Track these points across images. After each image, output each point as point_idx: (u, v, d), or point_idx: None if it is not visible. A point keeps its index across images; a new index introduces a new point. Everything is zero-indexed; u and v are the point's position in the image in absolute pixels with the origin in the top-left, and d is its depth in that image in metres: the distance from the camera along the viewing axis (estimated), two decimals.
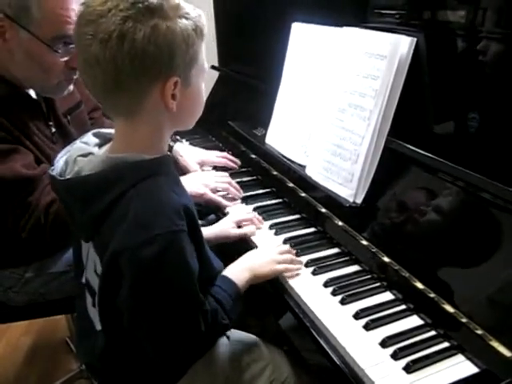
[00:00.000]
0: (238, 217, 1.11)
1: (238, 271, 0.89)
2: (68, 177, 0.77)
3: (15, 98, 1.10)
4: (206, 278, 0.81)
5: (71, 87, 1.17)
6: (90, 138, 0.84)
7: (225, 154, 1.46)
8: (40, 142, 1.12)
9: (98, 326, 0.82)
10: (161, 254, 0.70)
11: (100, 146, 0.83)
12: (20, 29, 1.02)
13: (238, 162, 1.43)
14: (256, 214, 1.15)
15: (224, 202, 1.21)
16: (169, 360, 0.79)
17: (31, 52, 1.05)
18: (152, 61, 0.70)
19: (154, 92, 0.73)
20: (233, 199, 1.24)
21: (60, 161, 0.80)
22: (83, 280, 0.86)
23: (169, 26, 0.70)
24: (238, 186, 1.27)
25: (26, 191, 1.05)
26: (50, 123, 1.19)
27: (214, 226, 1.10)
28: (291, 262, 0.95)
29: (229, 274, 0.88)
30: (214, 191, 1.22)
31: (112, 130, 0.82)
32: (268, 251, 0.96)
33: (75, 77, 1.14)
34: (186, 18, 0.72)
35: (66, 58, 1.08)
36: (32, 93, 1.17)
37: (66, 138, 1.20)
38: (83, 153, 0.79)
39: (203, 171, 1.39)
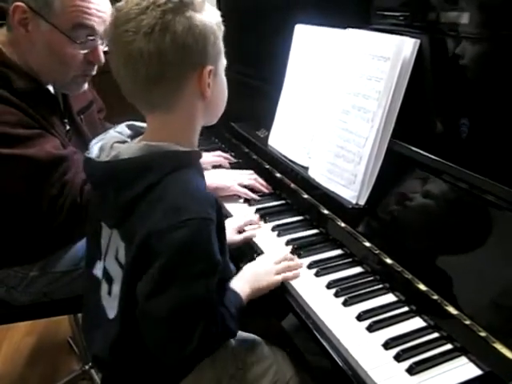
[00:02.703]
0: (238, 223, 1.11)
1: (240, 286, 0.89)
2: (107, 159, 0.79)
3: (37, 92, 1.12)
4: (222, 278, 0.82)
5: (86, 85, 1.20)
6: (123, 128, 0.87)
7: (218, 152, 1.51)
8: (58, 137, 1.13)
9: (111, 315, 0.82)
10: (190, 238, 0.73)
11: (132, 138, 0.85)
12: (41, 20, 1.05)
13: (232, 159, 1.49)
14: (254, 214, 1.16)
15: (250, 194, 1.25)
16: (173, 354, 0.78)
17: (51, 43, 1.08)
18: (191, 51, 0.75)
19: (192, 81, 0.78)
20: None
21: (94, 147, 0.83)
22: (96, 270, 0.87)
23: (201, 18, 0.75)
24: (264, 183, 1.30)
25: (60, 171, 1.07)
26: (65, 120, 1.21)
27: None
28: (289, 268, 0.95)
29: (233, 286, 0.88)
30: (241, 186, 1.26)
31: (144, 124, 0.84)
32: (265, 263, 0.96)
33: (93, 73, 1.17)
34: (209, 13, 0.78)
35: (85, 51, 1.11)
36: (51, 89, 1.19)
37: (80, 137, 1.23)
38: (119, 140, 0.82)
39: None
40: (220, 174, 1.33)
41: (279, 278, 0.93)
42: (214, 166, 1.45)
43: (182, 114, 0.79)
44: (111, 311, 0.82)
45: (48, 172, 1.05)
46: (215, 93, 0.82)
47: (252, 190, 1.27)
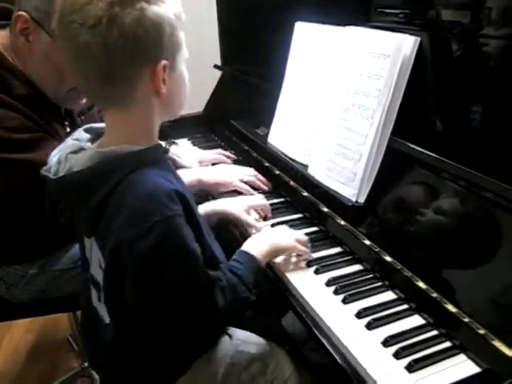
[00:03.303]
0: (255, 202, 1.11)
1: (257, 244, 0.89)
2: (61, 175, 0.77)
3: (37, 97, 1.12)
4: (208, 264, 0.80)
5: (84, 100, 1.19)
6: (81, 133, 0.84)
7: (219, 150, 1.51)
8: (59, 140, 1.13)
9: (106, 320, 0.82)
10: (160, 242, 0.70)
11: (92, 141, 0.83)
12: (42, 32, 1.06)
13: (232, 156, 1.49)
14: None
15: (251, 190, 1.25)
16: (192, 342, 0.79)
17: (50, 56, 1.07)
18: (142, 44, 0.70)
19: (146, 77, 0.73)
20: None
21: (53, 160, 0.81)
22: (90, 275, 0.87)
23: (154, 9, 0.71)
24: (264, 180, 1.30)
25: None
26: (66, 123, 1.22)
27: (227, 199, 1.09)
28: (306, 244, 0.96)
29: (247, 247, 0.88)
30: (242, 182, 1.26)
31: (103, 125, 0.81)
32: (289, 230, 0.98)
33: None
34: (166, 4, 0.73)
35: None
36: None
37: None
38: (74, 149, 0.80)
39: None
40: (221, 169, 1.33)
41: (299, 245, 0.94)
42: (214, 164, 1.45)
43: (137, 111, 0.75)
44: (106, 316, 0.82)
45: None
46: (173, 89, 0.77)
47: (252, 187, 1.27)
